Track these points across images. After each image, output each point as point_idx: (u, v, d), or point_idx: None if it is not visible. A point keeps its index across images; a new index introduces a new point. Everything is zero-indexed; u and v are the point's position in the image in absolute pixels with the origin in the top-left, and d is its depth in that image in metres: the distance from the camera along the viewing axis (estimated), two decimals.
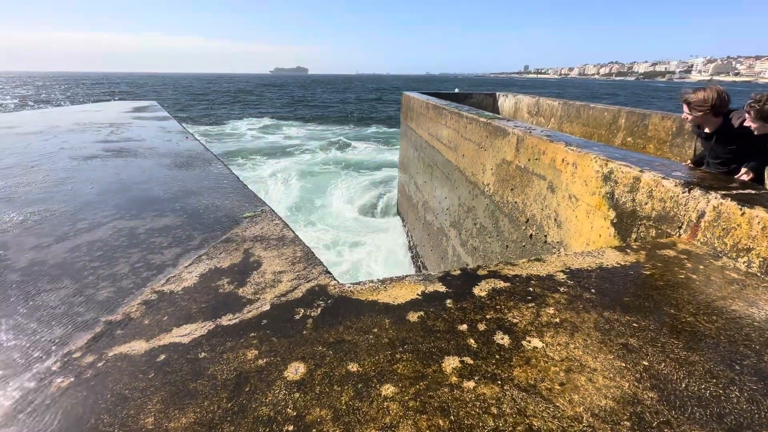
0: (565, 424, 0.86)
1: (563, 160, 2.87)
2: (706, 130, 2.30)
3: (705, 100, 2.16)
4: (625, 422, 0.87)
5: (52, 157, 3.41)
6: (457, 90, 11.68)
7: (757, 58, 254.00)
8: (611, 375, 1.01)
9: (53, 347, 1.09)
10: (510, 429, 0.85)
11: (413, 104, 9.28)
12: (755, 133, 2.05)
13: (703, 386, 0.98)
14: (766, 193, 1.74)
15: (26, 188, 2.53)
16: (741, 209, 1.58)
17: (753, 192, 1.75)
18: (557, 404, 0.91)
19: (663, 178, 1.97)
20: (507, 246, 3.94)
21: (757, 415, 0.89)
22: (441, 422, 0.87)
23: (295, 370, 1.01)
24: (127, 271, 1.50)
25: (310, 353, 1.07)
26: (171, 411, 0.89)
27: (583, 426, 0.86)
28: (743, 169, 2.13)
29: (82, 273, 1.48)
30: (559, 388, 0.96)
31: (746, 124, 2.08)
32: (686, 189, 1.83)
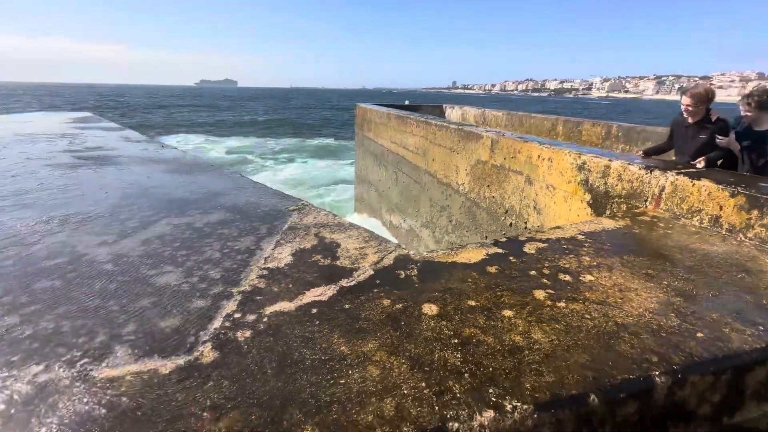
0: (636, 319, 1.23)
1: (539, 156, 3.41)
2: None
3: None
4: (671, 314, 1.27)
5: (26, 167, 3.16)
6: (407, 102, 12.35)
7: (640, 78, 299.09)
8: (648, 291, 1.41)
9: (211, 313, 1.21)
10: (604, 325, 1.19)
11: (371, 115, 9.67)
12: (748, 122, 2.63)
13: (702, 291, 1.42)
14: (706, 172, 2.36)
15: (31, 195, 2.39)
16: (692, 182, 2.15)
17: (694, 171, 2.36)
18: (625, 309, 1.29)
19: (629, 164, 2.53)
20: (486, 236, 4.42)
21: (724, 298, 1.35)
22: (557, 326, 1.18)
23: (430, 309, 1.26)
24: (220, 257, 1.61)
25: (432, 298, 1.33)
26: (354, 341, 1.09)
27: (648, 318, 1.24)
28: (701, 158, 2.74)
29: (177, 260, 1.56)
30: (620, 300, 1.34)
31: (743, 113, 2.62)
32: (648, 171, 2.40)
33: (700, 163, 2.66)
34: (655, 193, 2.35)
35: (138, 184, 2.72)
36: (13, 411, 0.84)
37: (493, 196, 4.23)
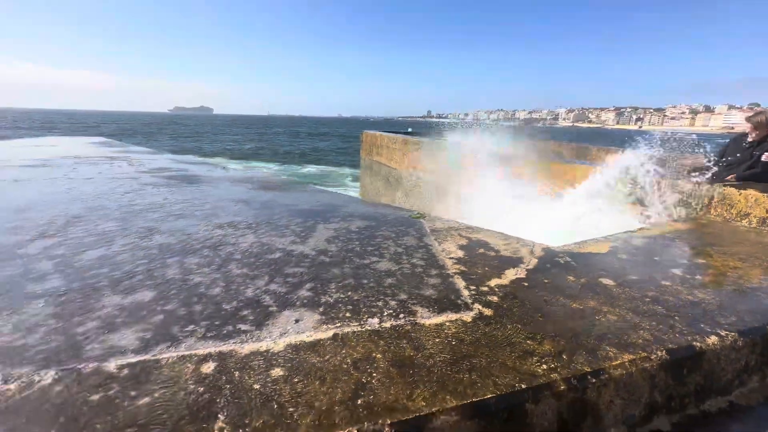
0: (759, 283, 1.65)
1: (585, 176, 3.94)
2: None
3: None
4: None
5: (126, 186, 3.36)
6: (410, 129, 13.04)
7: (602, 109, 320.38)
8: (756, 267, 1.85)
9: (453, 287, 1.54)
10: (739, 286, 1.61)
11: (380, 140, 10.20)
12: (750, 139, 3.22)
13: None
14: (749, 183, 2.91)
15: (172, 208, 2.62)
16: (739, 192, 2.68)
17: (738, 183, 2.92)
18: (751, 273, 1.71)
19: (679, 179, 3.07)
20: None
21: None
22: (718, 280, 1.59)
23: (607, 281, 1.64)
24: (404, 250, 1.93)
25: (600, 274, 1.71)
26: (581, 300, 1.45)
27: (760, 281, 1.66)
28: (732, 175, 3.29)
29: (375, 252, 1.87)
30: (746, 270, 1.76)
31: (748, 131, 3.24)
32: (698, 184, 2.93)
33: (732, 178, 3.22)
34: (705, 202, 2.87)
35: (256, 199, 2.99)
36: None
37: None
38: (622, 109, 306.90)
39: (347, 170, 26.34)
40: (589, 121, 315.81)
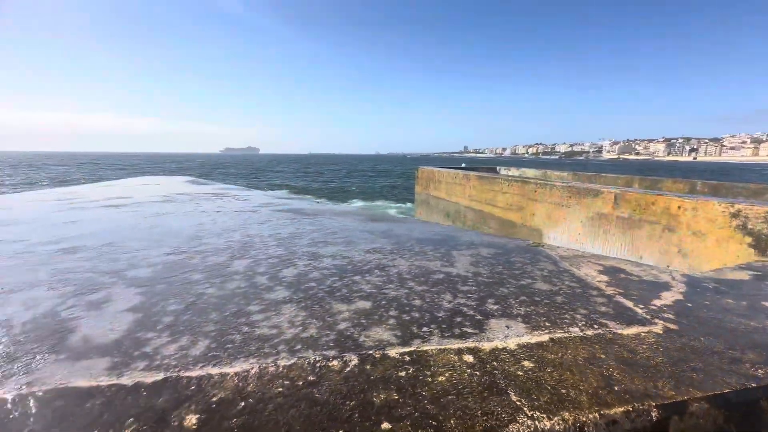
0: None
1: (679, 207, 3.96)
2: None
3: None
4: None
5: (254, 218, 3.84)
6: (464, 165, 13.39)
7: (650, 140, 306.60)
8: None
9: (627, 304, 1.70)
10: None
11: (439, 176, 10.56)
12: None
13: None
14: None
15: (310, 236, 3.00)
16: None
17: None
18: None
19: None
20: None
21: None
22: None
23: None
24: (548, 274, 2.12)
25: (760, 293, 1.79)
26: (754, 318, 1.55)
27: None
28: None
29: (531, 275, 2.08)
30: None
31: None
32: None
33: None
34: None
35: (376, 229, 3.32)
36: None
37: (620, 244, 4.71)
38: (672, 140, 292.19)
39: (392, 204, 26.95)
40: (637, 153, 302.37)
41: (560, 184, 5.72)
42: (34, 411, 0.98)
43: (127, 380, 1.10)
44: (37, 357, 1.21)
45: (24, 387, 1.06)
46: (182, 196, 5.70)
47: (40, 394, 1.03)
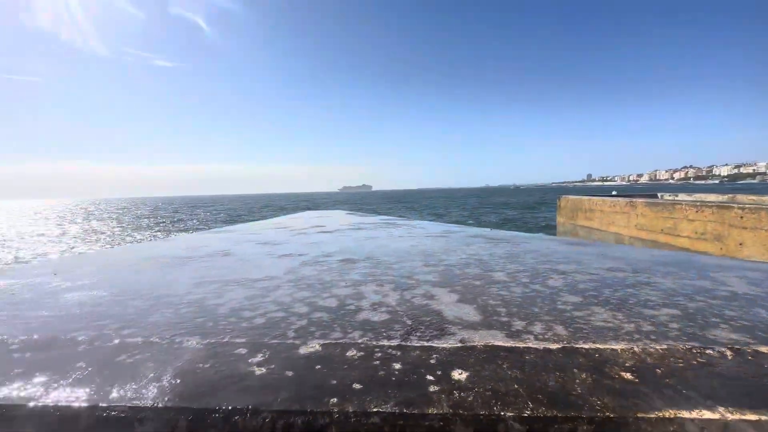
0: None
1: None
2: None
3: None
4: None
5: (454, 240, 4.24)
6: (614, 193, 12.21)
7: None
8: None
9: None
10: None
11: (590, 205, 9.80)
12: None
13: None
14: None
15: (554, 257, 3.20)
16: None
17: None
18: None
19: None
20: None
21: None
22: None
23: None
24: None
25: None
26: None
27: None
28: None
29: None
30: None
31: None
32: None
33: None
34: None
35: (591, 252, 3.36)
36: None
37: None
38: None
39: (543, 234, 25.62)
40: None
41: None
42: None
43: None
44: None
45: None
46: (366, 224, 6.57)
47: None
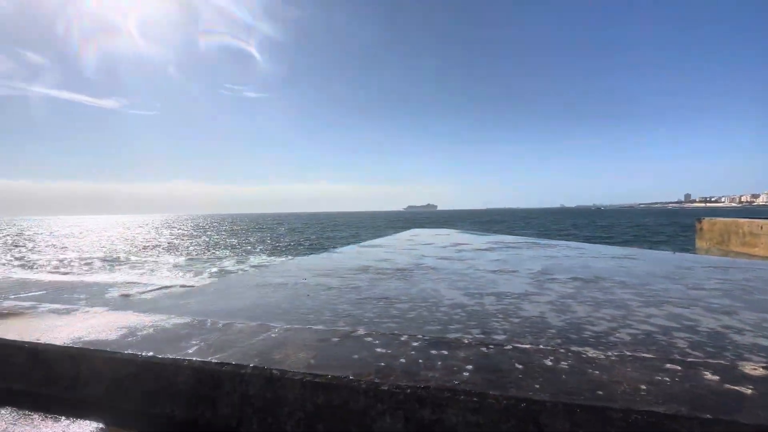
0: None
1: None
2: None
3: None
4: None
5: (582, 259, 5.04)
6: None
7: None
8: None
9: None
10: None
11: (750, 228, 8.87)
12: None
13: None
14: None
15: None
16: None
17: None
18: None
19: None
20: None
21: None
22: None
23: None
24: None
25: None
26: None
27: None
28: None
29: None
30: None
31: None
32: None
33: None
34: None
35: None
36: None
37: None
38: None
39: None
40: None
41: None
42: None
43: None
44: None
45: None
46: (495, 244, 7.46)
47: None
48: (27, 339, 2.00)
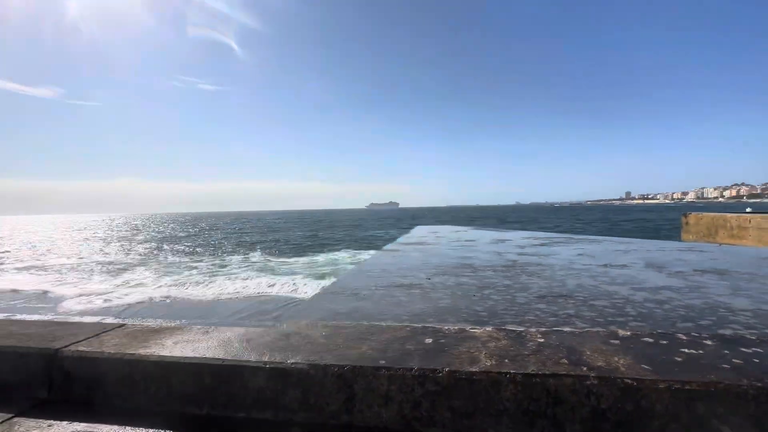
0: None
1: None
2: None
3: None
4: None
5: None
6: (749, 210, 11.94)
7: None
8: None
9: None
10: None
11: (739, 221, 9.25)
12: None
13: None
14: None
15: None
16: None
17: None
18: None
19: None
20: None
21: None
22: None
23: None
24: None
25: None
26: None
27: None
28: None
29: None
30: None
31: None
32: None
33: None
34: None
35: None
36: None
37: None
38: None
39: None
40: None
41: None
42: None
43: None
44: None
45: None
46: (540, 240, 7.16)
47: None
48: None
